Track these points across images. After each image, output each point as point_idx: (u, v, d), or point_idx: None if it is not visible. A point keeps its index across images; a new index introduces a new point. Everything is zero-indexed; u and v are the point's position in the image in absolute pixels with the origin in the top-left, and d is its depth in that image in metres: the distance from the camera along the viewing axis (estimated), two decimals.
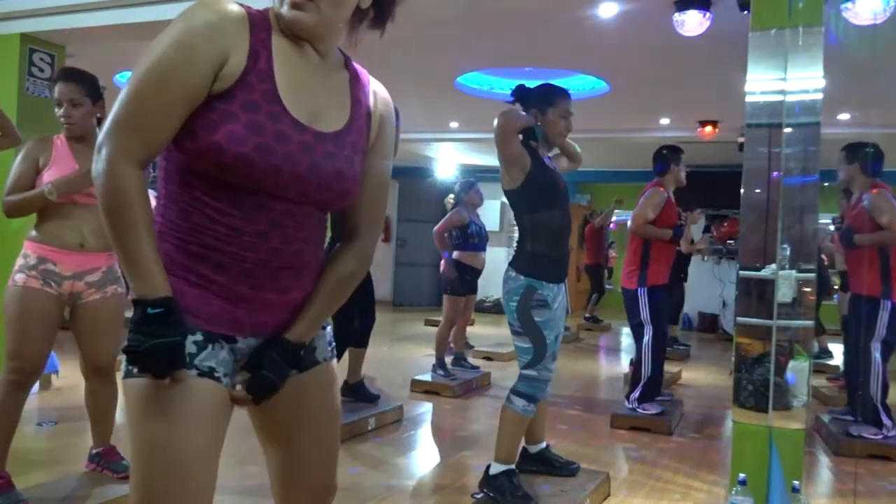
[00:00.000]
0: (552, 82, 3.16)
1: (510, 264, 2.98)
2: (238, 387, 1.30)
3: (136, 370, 1.20)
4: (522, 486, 2.92)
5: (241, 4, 1.24)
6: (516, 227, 3.10)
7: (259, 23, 1.25)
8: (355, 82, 1.39)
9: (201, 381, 1.23)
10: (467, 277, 5.69)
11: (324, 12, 1.25)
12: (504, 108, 3.09)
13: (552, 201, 2.96)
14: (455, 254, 5.71)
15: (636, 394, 4.54)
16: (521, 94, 3.12)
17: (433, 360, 5.71)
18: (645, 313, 4.52)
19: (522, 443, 3.23)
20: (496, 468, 2.93)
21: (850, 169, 4.33)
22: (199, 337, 1.24)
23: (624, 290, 4.64)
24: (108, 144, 1.16)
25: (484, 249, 5.82)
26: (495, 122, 2.90)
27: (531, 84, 3.15)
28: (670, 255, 4.74)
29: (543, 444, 3.28)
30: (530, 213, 2.95)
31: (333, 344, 1.52)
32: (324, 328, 1.47)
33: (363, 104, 1.38)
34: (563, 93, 3.07)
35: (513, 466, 2.95)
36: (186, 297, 1.23)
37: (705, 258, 9.66)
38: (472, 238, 5.71)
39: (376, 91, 1.43)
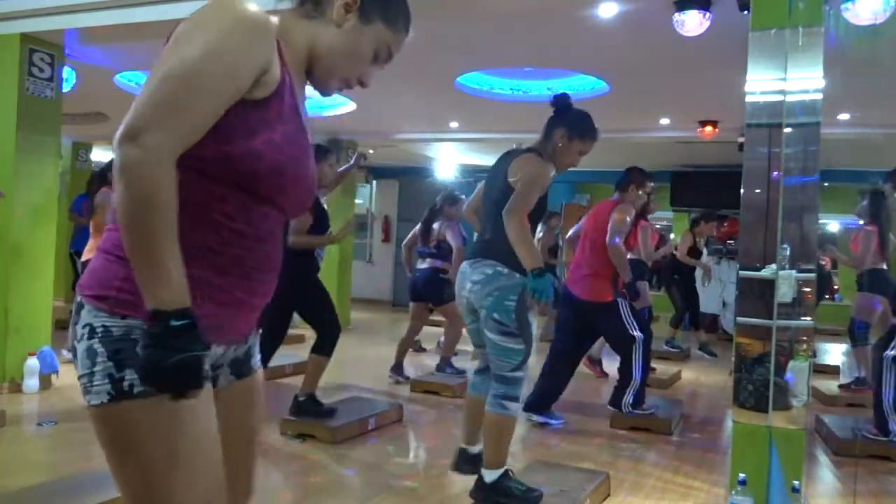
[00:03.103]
0: (590, 117, 3.06)
1: (498, 259, 2.85)
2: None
3: (147, 389, 1.09)
4: (521, 482, 2.93)
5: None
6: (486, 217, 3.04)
7: (277, 33, 1.26)
8: None
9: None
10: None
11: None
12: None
13: (534, 221, 2.92)
14: (438, 263, 5.82)
15: (629, 399, 4.53)
16: (561, 105, 3.04)
17: (437, 361, 5.74)
18: (631, 321, 4.48)
19: (462, 443, 3.20)
20: (492, 475, 2.89)
21: None
22: None
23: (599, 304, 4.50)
24: (148, 134, 1.05)
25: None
26: (534, 170, 2.88)
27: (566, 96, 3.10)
28: None
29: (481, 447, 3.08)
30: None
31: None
32: (255, 335, 1.45)
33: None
34: (595, 134, 3.02)
35: (507, 467, 2.92)
36: None
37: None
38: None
39: None
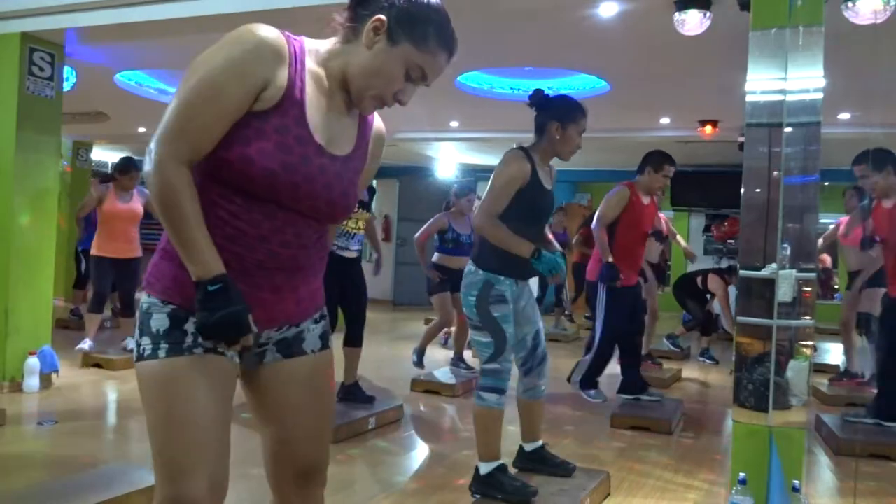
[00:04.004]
0: (571, 96, 3.10)
1: (472, 258, 3.01)
2: None
3: (152, 353, 1.39)
4: (517, 477, 2.97)
5: (282, 34, 1.39)
6: None
7: (297, 55, 1.41)
8: (363, 119, 1.56)
9: (208, 356, 1.41)
10: (444, 277, 5.72)
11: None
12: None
13: (529, 218, 2.92)
14: (435, 255, 5.85)
15: (577, 377, 4.83)
16: (540, 101, 3.03)
17: (442, 358, 5.76)
18: (601, 309, 4.78)
19: (519, 440, 3.27)
20: (486, 467, 2.94)
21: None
22: (191, 325, 1.41)
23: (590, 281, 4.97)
24: (160, 148, 1.31)
25: (464, 254, 5.71)
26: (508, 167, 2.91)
27: (549, 91, 3.11)
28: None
29: (539, 443, 3.27)
30: (505, 220, 2.87)
31: (330, 336, 1.64)
32: (317, 322, 1.61)
33: (366, 137, 1.57)
34: (584, 111, 3.02)
35: (502, 461, 2.96)
36: (189, 287, 1.36)
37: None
38: (448, 243, 5.79)
39: (377, 126, 1.62)
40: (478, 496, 2.95)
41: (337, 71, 1.44)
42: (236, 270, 1.38)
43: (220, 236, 1.37)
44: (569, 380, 4.96)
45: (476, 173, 11.23)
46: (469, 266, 2.98)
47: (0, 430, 3.90)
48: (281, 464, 1.59)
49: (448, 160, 11.54)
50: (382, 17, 1.39)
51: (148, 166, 1.33)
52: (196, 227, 1.32)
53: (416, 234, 5.86)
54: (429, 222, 5.83)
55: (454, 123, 8.42)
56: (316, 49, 1.45)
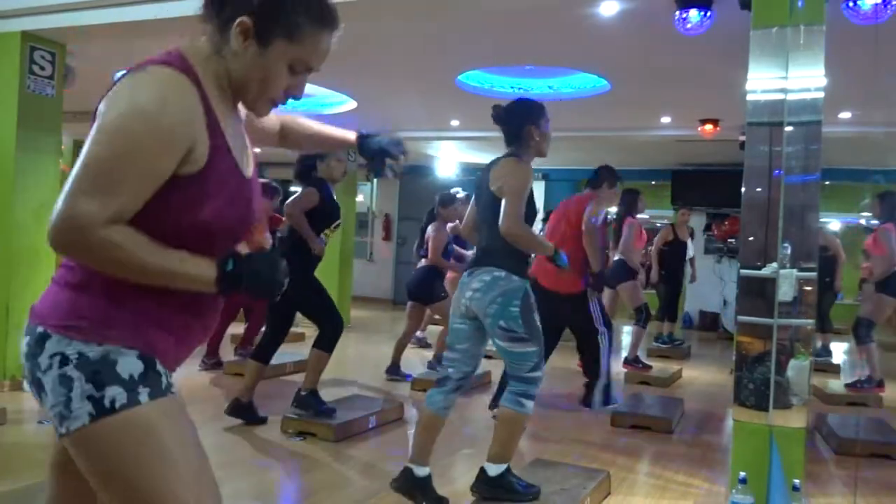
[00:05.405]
0: (525, 97, 3.17)
1: (494, 265, 2.85)
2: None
3: (126, 403, 1.19)
4: (521, 478, 2.97)
5: (177, 71, 1.22)
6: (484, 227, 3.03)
7: (197, 83, 1.24)
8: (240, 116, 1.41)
9: (178, 396, 1.29)
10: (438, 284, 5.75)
11: None
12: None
13: (528, 219, 2.93)
14: (421, 262, 5.87)
15: (599, 397, 4.57)
16: (504, 113, 3.03)
17: (430, 358, 5.78)
18: (598, 316, 4.53)
19: (408, 461, 2.97)
20: (497, 469, 2.89)
21: None
22: (160, 367, 1.26)
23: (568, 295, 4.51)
24: (80, 211, 1.12)
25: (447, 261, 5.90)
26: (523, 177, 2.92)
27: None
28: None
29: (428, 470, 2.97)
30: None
31: None
32: None
33: (249, 140, 1.44)
34: (544, 106, 3.05)
35: (508, 463, 2.94)
36: (147, 335, 1.25)
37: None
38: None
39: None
40: (484, 500, 2.92)
41: (224, 79, 1.30)
42: (193, 312, 1.31)
43: (177, 303, 1.27)
44: (587, 404, 4.63)
45: (476, 172, 11.21)
46: (496, 273, 2.82)
47: (1, 428, 3.90)
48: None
49: (449, 159, 11.54)
50: (245, 19, 1.23)
51: (66, 235, 1.12)
52: (165, 257, 1.18)
53: (433, 256, 5.79)
54: (434, 239, 5.77)
55: (455, 122, 8.41)
56: (200, 62, 1.27)
